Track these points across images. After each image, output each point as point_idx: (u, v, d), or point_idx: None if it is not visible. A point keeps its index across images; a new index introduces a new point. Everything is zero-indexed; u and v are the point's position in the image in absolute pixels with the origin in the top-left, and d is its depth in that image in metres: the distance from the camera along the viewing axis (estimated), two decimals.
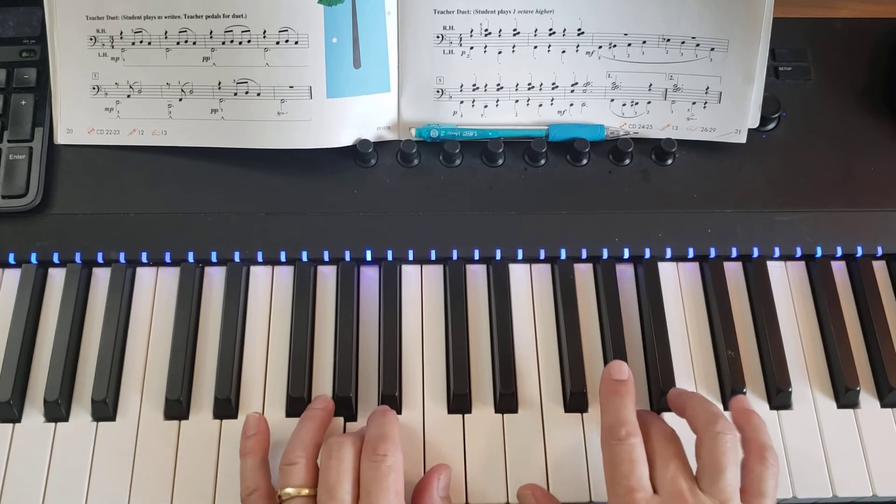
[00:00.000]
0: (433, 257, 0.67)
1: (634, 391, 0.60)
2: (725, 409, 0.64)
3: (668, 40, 0.68)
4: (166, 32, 0.67)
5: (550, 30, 0.68)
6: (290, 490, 0.56)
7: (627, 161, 0.71)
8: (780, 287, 0.68)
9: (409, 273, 0.68)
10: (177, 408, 0.62)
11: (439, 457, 0.61)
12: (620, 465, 0.55)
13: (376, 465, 0.55)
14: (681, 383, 0.64)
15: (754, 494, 0.55)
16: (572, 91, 0.70)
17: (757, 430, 0.58)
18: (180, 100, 0.69)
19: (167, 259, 0.67)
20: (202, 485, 0.60)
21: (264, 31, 0.66)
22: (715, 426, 0.56)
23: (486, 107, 0.70)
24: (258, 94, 0.68)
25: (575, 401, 0.63)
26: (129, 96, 0.69)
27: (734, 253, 0.68)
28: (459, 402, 0.63)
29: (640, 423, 0.58)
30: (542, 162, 0.70)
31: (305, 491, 0.56)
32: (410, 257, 0.67)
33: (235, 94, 0.68)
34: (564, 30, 0.68)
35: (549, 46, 0.69)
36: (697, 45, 0.68)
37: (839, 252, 0.68)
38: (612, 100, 0.70)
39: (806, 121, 0.73)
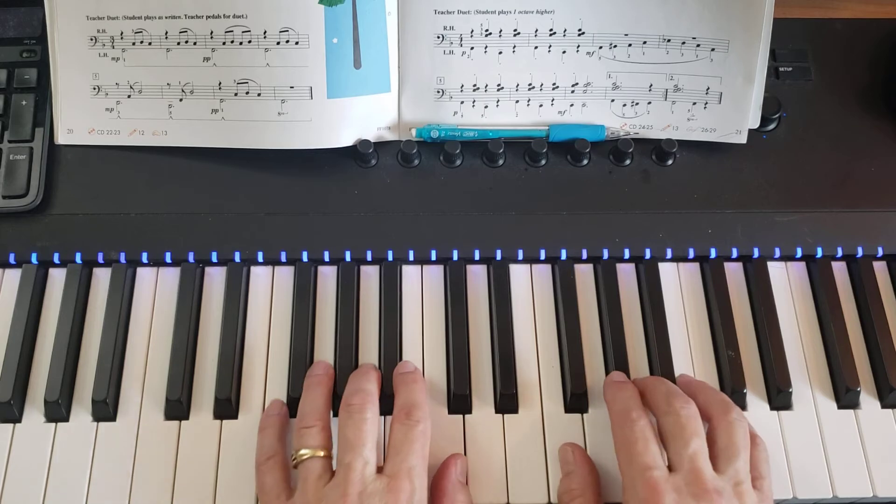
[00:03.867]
0: (434, 257, 0.67)
1: (636, 388, 0.61)
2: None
3: (669, 41, 0.69)
4: (167, 33, 0.67)
5: (551, 30, 0.68)
6: (305, 451, 0.57)
7: (628, 161, 0.71)
8: (780, 287, 0.68)
9: (410, 273, 0.68)
10: (177, 408, 0.62)
11: (440, 457, 0.61)
12: (635, 443, 0.56)
13: (409, 428, 0.58)
14: None
15: (756, 477, 0.57)
16: (573, 91, 0.70)
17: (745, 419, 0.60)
18: (181, 100, 0.69)
19: (167, 259, 0.67)
20: (203, 485, 0.60)
21: (265, 32, 0.66)
22: (731, 413, 0.58)
23: (486, 107, 0.70)
24: (259, 95, 0.68)
25: (575, 401, 0.63)
26: (129, 97, 0.69)
27: (735, 253, 0.68)
28: (460, 402, 0.63)
29: (659, 396, 0.59)
30: (543, 162, 0.70)
31: (321, 452, 0.57)
32: (411, 257, 0.67)
33: (236, 94, 0.68)
34: (565, 30, 0.68)
35: (550, 47, 0.69)
36: (698, 45, 0.68)
37: (840, 252, 0.68)
38: (613, 100, 0.70)
39: (806, 121, 0.73)
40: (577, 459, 0.60)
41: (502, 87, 0.70)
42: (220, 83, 0.68)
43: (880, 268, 0.69)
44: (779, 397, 0.64)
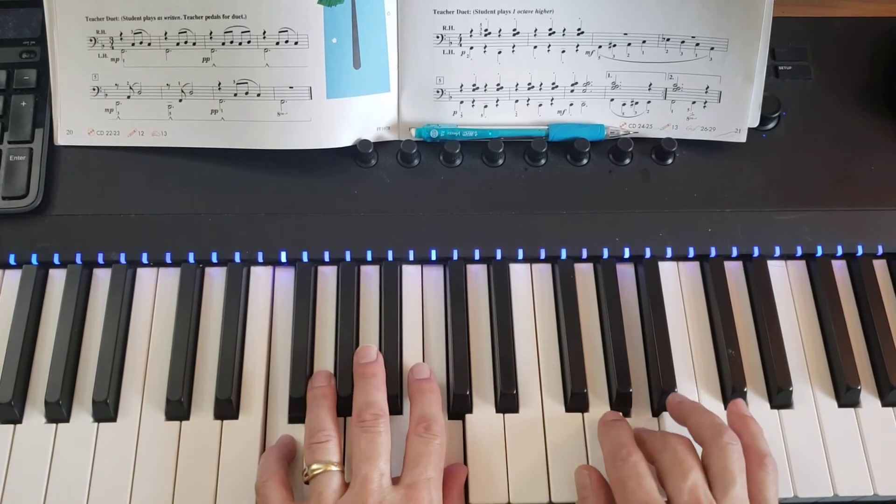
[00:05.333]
0: (434, 257, 0.67)
1: (629, 424, 0.61)
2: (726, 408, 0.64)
3: (668, 40, 0.69)
4: (166, 33, 0.67)
5: (550, 30, 0.68)
6: (318, 466, 0.57)
7: (627, 161, 0.71)
8: (780, 286, 0.68)
9: (410, 273, 0.68)
10: (178, 408, 0.62)
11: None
12: (628, 481, 0.56)
13: (427, 441, 0.58)
14: (682, 383, 0.64)
15: (759, 501, 0.56)
16: (572, 91, 0.70)
17: (755, 437, 0.59)
18: (180, 101, 0.69)
19: (168, 260, 0.67)
20: (203, 485, 0.60)
21: (264, 32, 0.66)
22: (722, 437, 0.57)
23: (485, 107, 0.70)
24: (258, 95, 0.68)
25: (576, 400, 0.63)
26: (129, 97, 0.69)
27: (735, 252, 0.68)
28: (460, 402, 0.63)
29: (655, 437, 0.59)
30: (543, 162, 0.70)
31: (334, 467, 0.57)
32: (411, 257, 0.67)
33: (235, 94, 0.68)
34: (564, 29, 0.68)
35: (549, 46, 0.69)
36: (697, 44, 0.68)
37: (840, 251, 0.68)
38: (612, 99, 0.70)
39: (806, 120, 0.73)
40: (594, 485, 0.59)
41: (502, 87, 0.70)
42: (219, 83, 0.68)
43: (880, 266, 0.69)
44: (779, 396, 0.64)
